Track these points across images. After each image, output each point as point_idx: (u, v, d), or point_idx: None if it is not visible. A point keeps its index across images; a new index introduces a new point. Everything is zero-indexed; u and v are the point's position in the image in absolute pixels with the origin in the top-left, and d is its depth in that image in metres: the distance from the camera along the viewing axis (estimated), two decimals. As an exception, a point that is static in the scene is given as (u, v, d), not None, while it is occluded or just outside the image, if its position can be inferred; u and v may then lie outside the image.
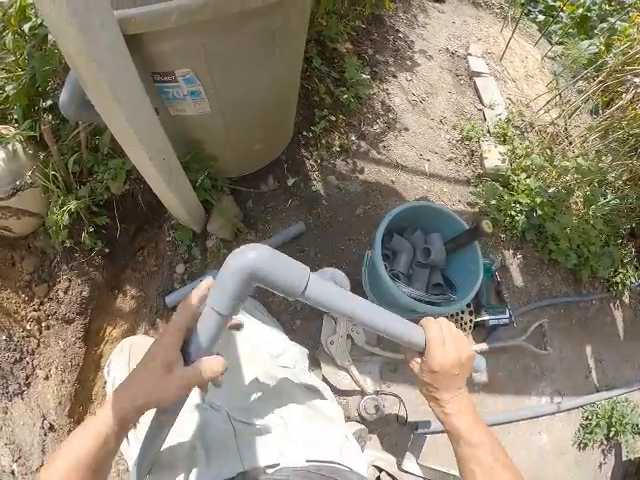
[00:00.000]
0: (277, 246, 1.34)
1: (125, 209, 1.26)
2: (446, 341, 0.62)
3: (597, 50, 2.36)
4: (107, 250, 1.22)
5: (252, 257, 0.44)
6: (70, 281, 1.17)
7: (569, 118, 1.92)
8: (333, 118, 1.58)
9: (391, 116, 1.69)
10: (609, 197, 1.60)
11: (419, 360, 0.64)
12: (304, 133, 1.54)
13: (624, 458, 1.69)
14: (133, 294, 1.32)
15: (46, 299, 1.15)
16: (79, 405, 1.17)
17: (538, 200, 1.48)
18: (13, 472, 1.00)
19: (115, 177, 1.13)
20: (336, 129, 1.58)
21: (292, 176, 1.47)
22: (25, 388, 1.08)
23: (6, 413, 1.05)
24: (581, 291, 1.68)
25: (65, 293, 1.16)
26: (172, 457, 0.72)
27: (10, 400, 1.06)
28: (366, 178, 1.53)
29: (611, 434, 1.58)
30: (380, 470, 1.15)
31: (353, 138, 1.59)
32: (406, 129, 1.69)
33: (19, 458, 1.02)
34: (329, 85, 1.63)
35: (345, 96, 1.61)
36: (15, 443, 1.02)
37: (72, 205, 1.08)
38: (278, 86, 1.09)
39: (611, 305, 1.76)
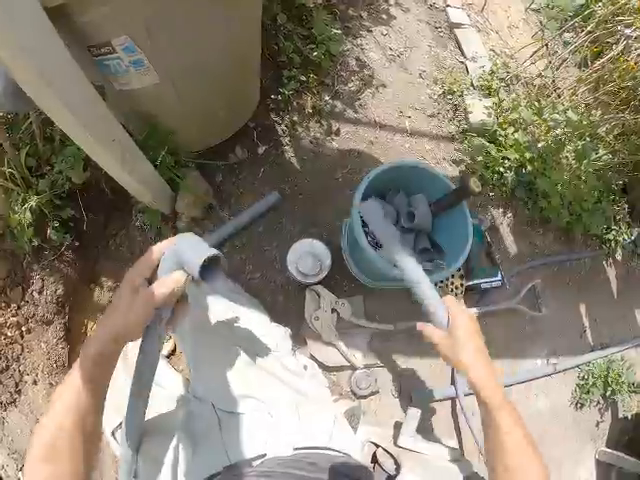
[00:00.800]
0: (251, 219, 1.23)
1: (90, 198, 1.19)
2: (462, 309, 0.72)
3: (584, 1, 2.24)
4: (77, 243, 1.16)
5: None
6: (43, 281, 1.11)
7: (557, 70, 1.81)
8: (303, 78, 1.44)
9: (367, 73, 1.56)
10: (600, 152, 1.51)
11: (442, 335, 0.72)
12: (272, 96, 1.41)
13: (620, 416, 1.68)
14: (109, 285, 1.25)
15: (22, 302, 1.09)
16: None
17: (528, 155, 1.38)
18: None
19: (73, 166, 1.05)
20: (307, 90, 1.45)
21: (262, 144, 1.35)
22: (17, 396, 1.05)
23: (3, 423, 1.03)
24: (574, 249, 1.61)
25: (40, 294, 1.11)
26: (158, 450, 0.69)
27: (5, 410, 1.04)
28: (343, 140, 1.41)
29: (607, 393, 1.56)
30: (377, 446, 1.09)
31: (327, 98, 1.45)
32: (384, 86, 1.55)
33: (23, 467, 1.00)
34: (297, 43, 1.48)
35: (315, 53, 1.47)
36: (17, 452, 1.02)
37: (33, 201, 1.02)
38: (233, 46, 0.97)
39: (604, 263, 1.71)
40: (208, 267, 0.53)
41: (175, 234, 1.26)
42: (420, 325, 0.77)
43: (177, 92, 0.95)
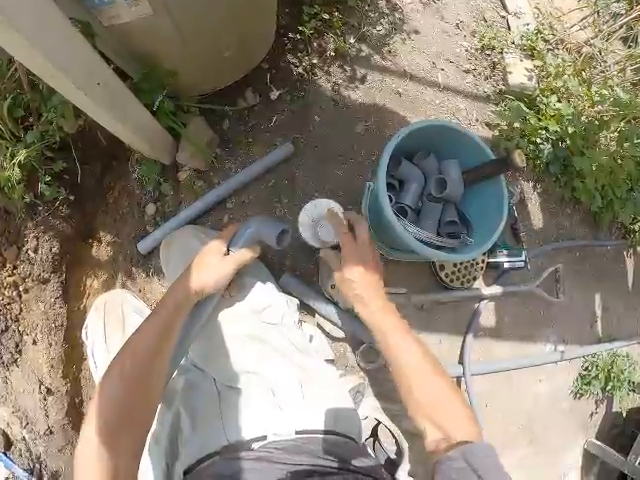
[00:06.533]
0: (261, 172, 1.10)
1: (85, 148, 1.08)
2: (358, 239, 0.75)
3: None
4: (72, 197, 1.07)
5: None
6: (37, 239, 1.05)
7: (606, 41, 1.64)
8: (327, 16, 1.25)
9: (398, 16, 1.37)
10: (642, 138, 1.39)
11: (337, 256, 0.75)
12: (290, 35, 1.23)
13: (614, 410, 1.69)
14: (108, 240, 1.16)
15: (18, 262, 1.05)
16: (72, 365, 1.11)
17: (570, 130, 1.24)
18: (24, 438, 1.04)
19: (64, 114, 0.94)
20: (330, 30, 1.27)
21: (277, 88, 1.18)
22: (18, 356, 1.05)
23: (7, 383, 1.05)
24: (598, 235, 1.53)
25: (35, 252, 1.05)
26: (157, 427, 0.70)
27: (7, 369, 1.05)
28: (367, 89, 1.24)
29: (607, 387, 1.54)
30: (379, 422, 1.04)
31: (352, 41, 1.27)
32: (416, 32, 1.37)
33: (27, 424, 1.04)
34: (321, -25, 1.28)
35: (341, -11, 1.28)
36: (21, 410, 1.04)
37: (21, 156, 0.94)
38: None
39: (624, 253, 1.63)
40: (279, 236, 0.73)
41: (176, 187, 1.14)
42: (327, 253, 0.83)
43: (176, 25, 0.80)
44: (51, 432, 1.04)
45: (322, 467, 0.58)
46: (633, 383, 1.58)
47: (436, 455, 0.57)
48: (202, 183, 1.10)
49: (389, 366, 0.68)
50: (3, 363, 1.04)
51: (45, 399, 1.04)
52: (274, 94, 1.18)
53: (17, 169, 0.93)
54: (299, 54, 1.23)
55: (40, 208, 1.03)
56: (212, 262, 0.68)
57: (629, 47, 1.73)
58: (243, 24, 0.94)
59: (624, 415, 1.63)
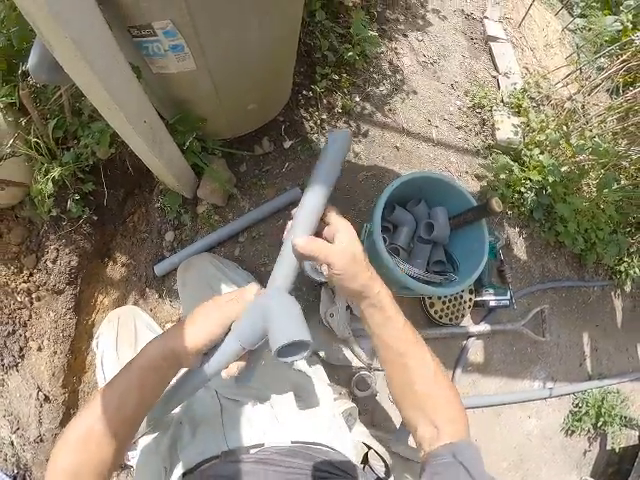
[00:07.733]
0: (271, 213, 1.24)
1: (113, 174, 1.19)
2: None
3: (621, 28, 2.21)
4: (95, 217, 1.17)
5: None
6: (58, 251, 1.13)
7: (588, 95, 1.80)
8: (336, 77, 1.44)
9: (399, 77, 1.55)
10: (622, 183, 1.51)
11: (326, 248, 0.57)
12: (304, 92, 1.41)
13: (608, 447, 1.70)
14: (123, 262, 1.27)
15: (35, 270, 1.12)
16: (73, 375, 1.15)
17: (550, 179, 1.38)
18: (12, 443, 1.03)
19: (100, 141, 1.05)
20: (339, 89, 1.45)
21: (289, 138, 1.35)
22: (19, 360, 1.07)
23: (2, 385, 1.05)
24: (584, 276, 1.62)
25: (53, 263, 1.12)
26: (157, 436, 0.72)
27: (6, 372, 1.06)
28: (369, 143, 1.41)
29: (599, 424, 1.58)
30: (369, 447, 1.11)
31: (357, 99, 1.46)
32: (414, 92, 1.55)
33: (17, 429, 1.03)
34: (333, 41, 1.48)
35: (350, 53, 1.47)
36: (13, 415, 1.04)
37: (56, 173, 1.03)
38: (274, 41, 0.97)
39: (612, 293, 1.71)
40: (292, 344, 0.47)
41: (194, 219, 1.24)
42: (309, 239, 0.56)
43: (213, 81, 0.96)
44: (41, 440, 1.05)
45: (320, 471, 0.60)
46: (625, 418, 1.61)
47: (424, 451, 0.56)
48: (218, 217, 1.25)
49: (388, 354, 0.60)
50: (3, 365, 1.06)
51: (41, 406, 1.06)
52: (287, 143, 1.34)
53: (50, 184, 1.02)
54: (310, 109, 1.41)
55: (64, 223, 1.12)
56: (208, 324, 0.54)
57: (612, 97, 1.89)
58: (267, 84, 1.12)
59: (617, 451, 1.65)
